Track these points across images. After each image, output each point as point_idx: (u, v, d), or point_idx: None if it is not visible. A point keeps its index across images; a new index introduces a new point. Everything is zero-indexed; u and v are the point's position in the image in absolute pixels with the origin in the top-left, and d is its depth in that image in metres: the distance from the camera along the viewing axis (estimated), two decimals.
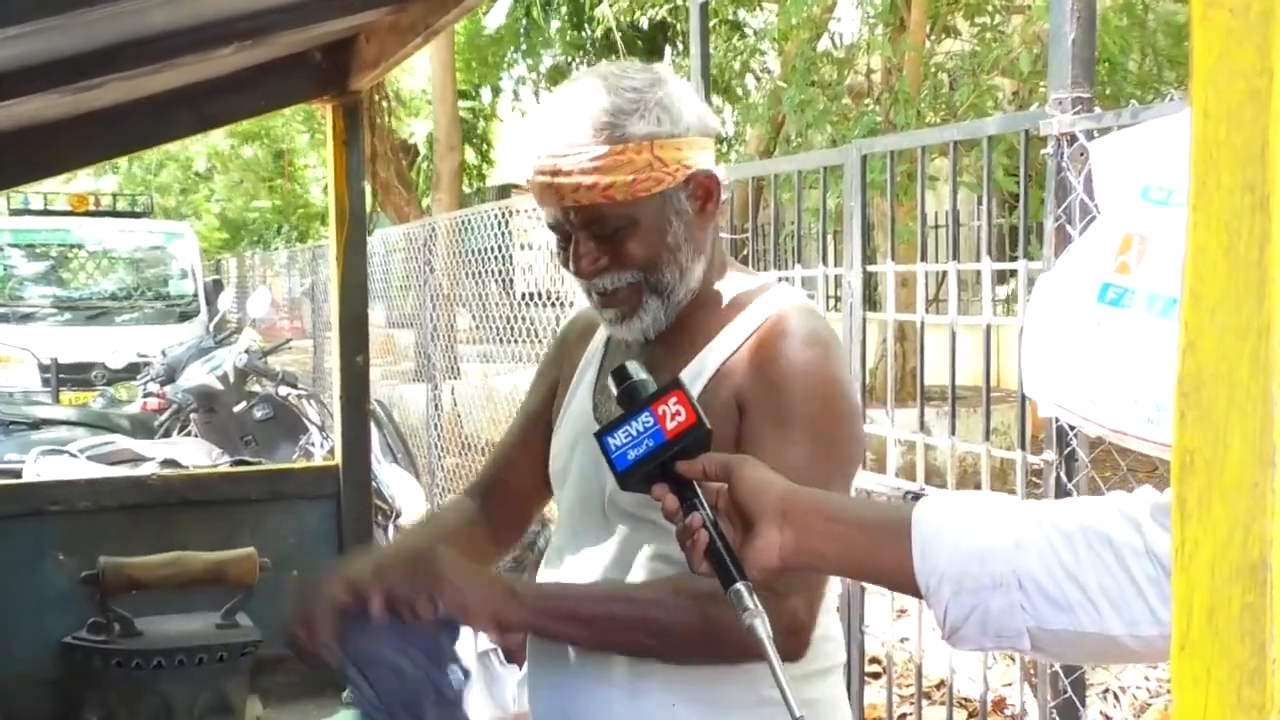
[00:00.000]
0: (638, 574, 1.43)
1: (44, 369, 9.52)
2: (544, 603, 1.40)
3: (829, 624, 1.47)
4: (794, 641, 1.31)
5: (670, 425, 1.12)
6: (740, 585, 1.07)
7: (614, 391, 1.18)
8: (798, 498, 1.10)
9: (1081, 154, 2.39)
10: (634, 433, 1.13)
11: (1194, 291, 0.55)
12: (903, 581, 1.04)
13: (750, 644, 1.08)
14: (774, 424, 1.36)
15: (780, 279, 3.73)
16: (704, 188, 1.41)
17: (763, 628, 1.05)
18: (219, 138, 21.68)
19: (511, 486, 1.68)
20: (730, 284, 1.49)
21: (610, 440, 1.13)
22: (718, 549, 1.08)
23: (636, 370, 1.19)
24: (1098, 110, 2.47)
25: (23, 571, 2.21)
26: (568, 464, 1.55)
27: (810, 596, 1.34)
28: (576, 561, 1.51)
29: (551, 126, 1.37)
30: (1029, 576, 0.99)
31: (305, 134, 21.16)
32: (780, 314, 1.43)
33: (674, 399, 1.13)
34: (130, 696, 2.02)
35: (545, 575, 1.58)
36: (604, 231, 1.38)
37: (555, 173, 1.36)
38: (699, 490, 1.11)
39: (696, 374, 1.42)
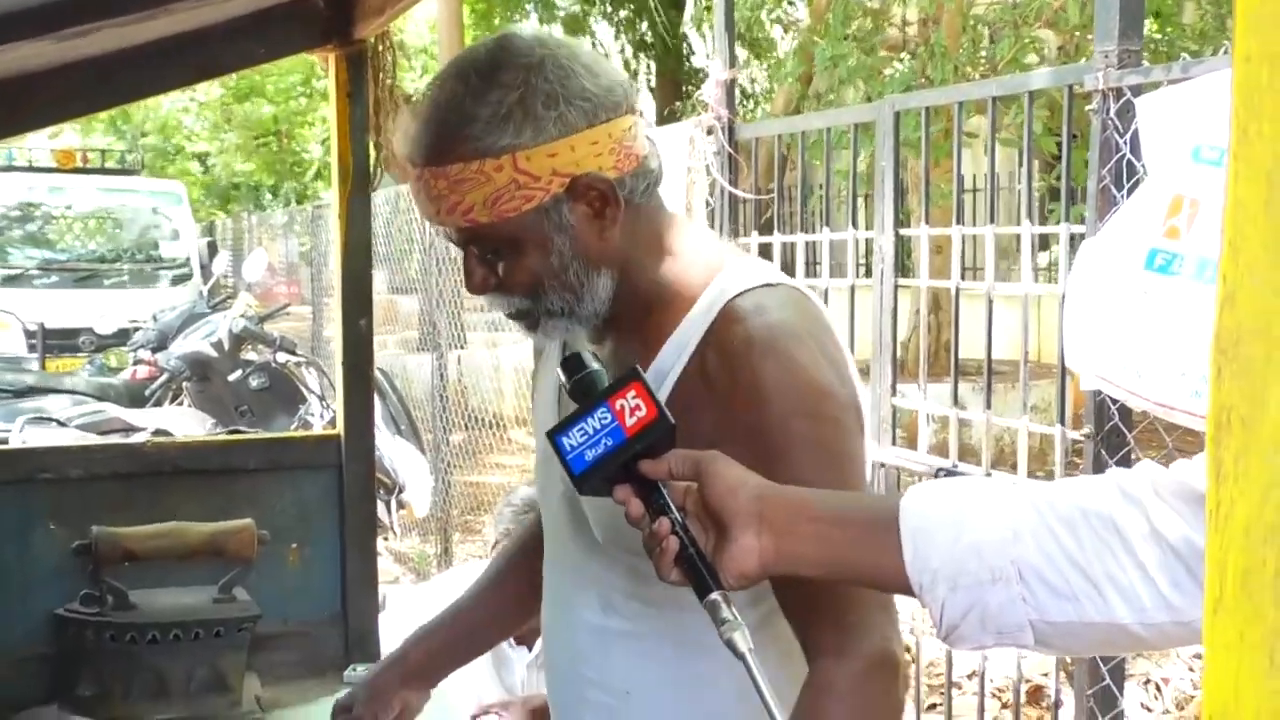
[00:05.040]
0: (614, 619, 1.40)
1: (30, 334, 9.58)
2: None
3: None
4: (895, 675, 1.22)
5: (630, 421, 1.07)
6: (716, 595, 1.04)
7: (565, 383, 1.13)
8: (775, 497, 1.07)
9: (1128, 111, 2.39)
10: (590, 431, 1.07)
11: (1233, 244, 0.56)
12: (894, 581, 1.03)
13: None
14: (765, 458, 1.20)
15: (808, 243, 3.75)
16: (597, 192, 1.28)
17: (743, 641, 1.02)
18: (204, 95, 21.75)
19: None
20: (679, 270, 1.35)
21: (564, 440, 1.08)
22: (690, 555, 1.05)
23: (589, 360, 1.13)
24: (1146, 64, 2.46)
25: (12, 541, 2.24)
26: (544, 489, 1.52)
27: (890, 614, 1.23)
28: (557, 598, 1.49)
29: (409, 141, 1.30)
30: (1029, 567, 0.98)
31: (303, 97, 21.20)
32: (729, 313, 1.29)
33: (632, 391, 1.08)
34: (124, 671, 2.06)
35: (543, 611, 1.56)
36: (485, 250, 1.31)
37: (418, 191, 1.30)
38: (665, 492, 1.07)
39: (654, 383, 1.29)
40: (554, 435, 1.09)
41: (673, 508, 1.07)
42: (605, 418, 1.08)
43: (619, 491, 1.08)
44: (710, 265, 1.35)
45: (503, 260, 1.30)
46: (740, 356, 1.26)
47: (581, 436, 1.08)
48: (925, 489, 1.06)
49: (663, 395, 1.28)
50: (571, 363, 1.13)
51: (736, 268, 1.35)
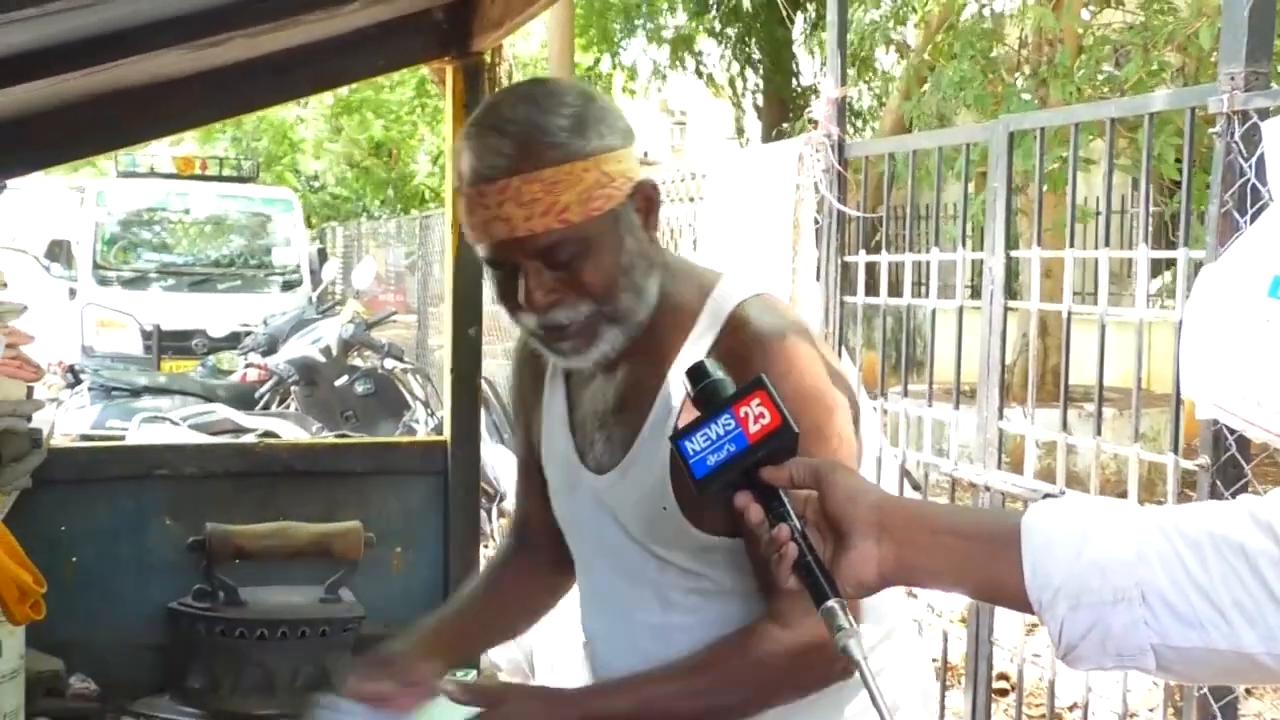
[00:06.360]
0: (675, 615, 1.50)
1: (146, 335, 9.89)
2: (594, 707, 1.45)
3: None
4: (826, 661, 1.32)
5: (753, 428, 1.09)
6: (833, 603, 1.04)
7: (689, 391, 1.16)
8: (896, 507, 1.07)
9: (1254, 134, 2.33)
10: (713, 436, 1.09)
11: None
12: (1012, 596, 1.02)
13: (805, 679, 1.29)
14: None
15: (915, 263, 3.72)
16: (647, 198, 1.44)
17: (858, 648, 1.03)
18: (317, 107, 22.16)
19: (542, 531, 1.73)
20: (679, 286, 1.49)
21: (687, 445, 1.10)
22: (808, 563, 1.06)
23: (714, 369, 1.16)
24: (1275, 87, 2.40)
25: (129, 535, 2.32)
26: (571, 512, 1.60)
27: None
28: (608, 608, 1.58)
29: (490, 155, 1.36)
30: (1153, 589, 0.96)
31: (417, 109, 21.50)
32: (735, 320, 1.44)
33: (757, 399, 1.10)
34: (232, 665, 2.11)
35: (585, 624, 1.65)
36: (557, 260, 1.38)
37: (502, 202, 1.35)
38: (785, 499, 1.09)
39: (673, 395, 1.44)
40: (677, 440, 1.11)
41: (792, 515, 1.08)
42: (729, 424, 1.09)
43: (740, 497, 1.10)
44: (704, 279, 1.50)
45: (578, 264, 1.38)
46: (752, 359, 1.38)
47: (705, 442, 1.10)
48: (1049, 505, 1.05)
49: (683, 399, 1.40)
50: (695, 371, 1.16)
51: (728, 281, 1.50)
